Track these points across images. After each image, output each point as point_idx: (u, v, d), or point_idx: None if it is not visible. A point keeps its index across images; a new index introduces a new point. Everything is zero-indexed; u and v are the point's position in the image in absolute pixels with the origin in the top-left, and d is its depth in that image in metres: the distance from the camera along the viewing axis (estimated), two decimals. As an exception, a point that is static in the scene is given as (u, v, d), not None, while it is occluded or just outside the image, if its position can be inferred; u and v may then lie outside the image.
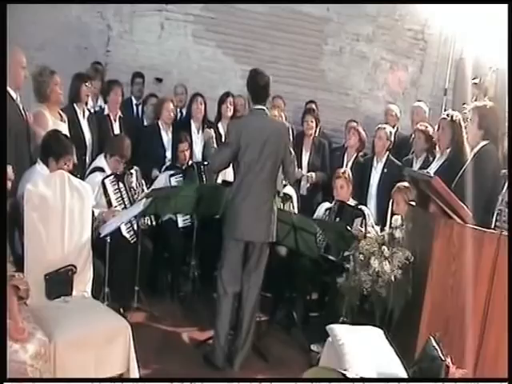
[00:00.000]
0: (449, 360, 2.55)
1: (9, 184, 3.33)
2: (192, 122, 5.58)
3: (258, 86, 3.78)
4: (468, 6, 6.03)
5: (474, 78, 5.66)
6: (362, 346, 2.92)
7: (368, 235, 3.71)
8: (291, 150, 3.88)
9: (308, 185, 5.61)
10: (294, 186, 5.04)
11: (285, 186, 4.84)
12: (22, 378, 2.56)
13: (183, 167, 5.01)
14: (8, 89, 3.80)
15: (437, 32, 6.87)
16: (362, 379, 2.62)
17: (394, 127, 5.69)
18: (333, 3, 6.76)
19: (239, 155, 3.72)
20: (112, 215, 4.13)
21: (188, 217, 4.84)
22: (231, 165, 3.90)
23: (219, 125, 5.62)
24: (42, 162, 3.77)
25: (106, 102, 5.48)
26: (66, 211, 3.38)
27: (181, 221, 4.86)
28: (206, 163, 5.02)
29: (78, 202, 3.45)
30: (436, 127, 4.65)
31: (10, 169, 3.33)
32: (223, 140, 4.29)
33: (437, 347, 2.61)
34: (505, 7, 4.14)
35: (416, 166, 4.92)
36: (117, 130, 5.26)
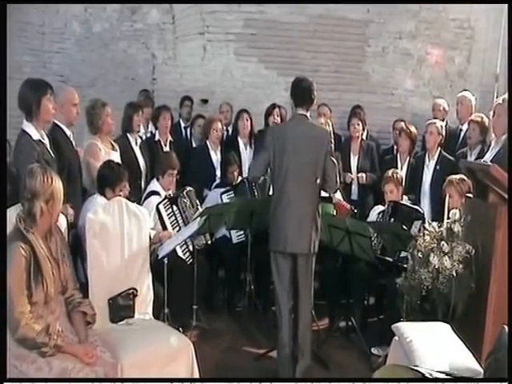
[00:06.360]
0: None
1: (70, 218, 3.50)
2: (239, 138, 5.63)
3: (299, 90, 3.77)
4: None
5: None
6: (431, 342, 2.87)
7: (426, 232, 3.63)
8: (333, 158, 3.75)
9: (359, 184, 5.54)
10: (342, 191, 4.99)
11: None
12: (22, 378, 2.60)
13: (233, 183, 5.04)
14: (62, 126, 3.99)
15: (484, 17, 6.61)
16: (363, 379, 2.56)
17: (443, 121, 5.55)
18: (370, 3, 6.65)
19: (275, 161, 3.68)
20: (168, 236, 4.17)
21: (241, 232, 4.83)
22: (271, 173, 3.82)
23: None
24: (99, 192, 3.93)
25: (156, 128, 5.58)
26: (125, 236, 3.46)
27: (234, 237, 4.86)
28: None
29: (135, 226, 3.53)
30: (491, 113, 4.49)
31: (69, 208, 3.52)
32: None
33: (512, 336, 2.51)
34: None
35: (471, 159, 4.78)
36: (168, 155, 5.35)
